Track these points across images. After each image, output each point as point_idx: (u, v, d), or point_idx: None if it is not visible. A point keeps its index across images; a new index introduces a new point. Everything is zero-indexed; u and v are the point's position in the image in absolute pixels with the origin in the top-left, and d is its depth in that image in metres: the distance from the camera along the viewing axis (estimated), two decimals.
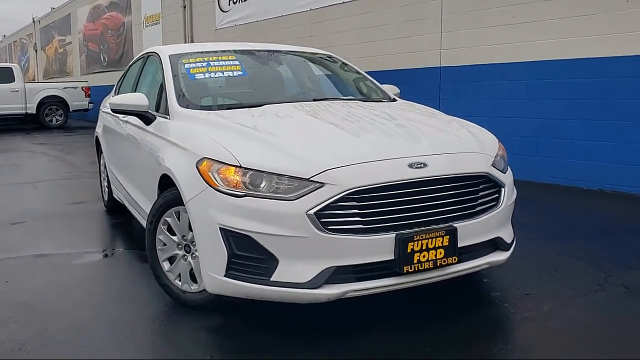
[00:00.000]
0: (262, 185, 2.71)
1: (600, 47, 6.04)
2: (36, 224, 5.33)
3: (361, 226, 2.66)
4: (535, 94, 6.73)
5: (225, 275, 2.76)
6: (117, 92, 5.45)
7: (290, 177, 2.68)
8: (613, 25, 5.92)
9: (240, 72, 4.02)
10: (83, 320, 3.10)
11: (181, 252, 3.20)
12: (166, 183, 3.29)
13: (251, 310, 3.10)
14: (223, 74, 3.94)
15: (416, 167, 2.78)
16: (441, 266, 2.80)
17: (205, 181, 2.83)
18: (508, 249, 3.14)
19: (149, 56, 4.70)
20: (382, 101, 4.07)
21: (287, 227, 2.63)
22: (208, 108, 3.61)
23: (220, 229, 2.74)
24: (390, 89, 4.42)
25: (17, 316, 3.17)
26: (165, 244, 3.25)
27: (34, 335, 2.92)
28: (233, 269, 2.74)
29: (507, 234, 3.15)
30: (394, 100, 4.18)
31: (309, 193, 2.64)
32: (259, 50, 4.41)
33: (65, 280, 3.80)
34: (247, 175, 2.74)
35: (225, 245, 2.74)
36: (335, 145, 2.90)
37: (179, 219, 3.16)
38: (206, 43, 4.66)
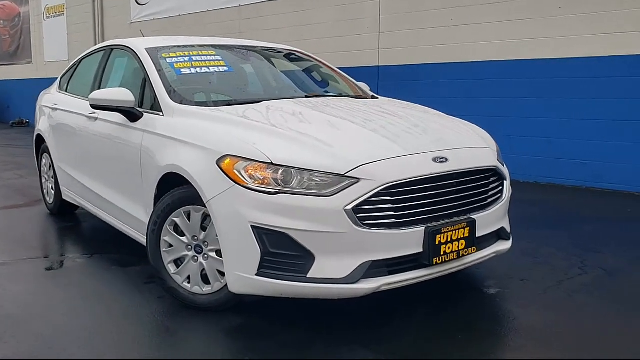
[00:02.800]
0: (294, 182, 2.68)
1: (534, 49, 6.50)
2: None
3: (394, 220, 2.71)
4: (473, 93, 7.10)
5: (257, 274, 2.70)
6: (66, 89, 5.10)
7: (325, 173, 2.68)
8: (545, 30, 6.39)
9: (225, 68, 3.91)
10: (86, 330, 2.90)
11: (191, 253, 3.08)
12: (170, 182, 3.15)
13: (265, 310, 3.05)
14: (209, 69, 3.82)
15: (439, 162, 2.87)
16: (463, 256, 2.92)
17: (231, 179, 2.75)
18: (509, 238, 3.32)
19: (112, 49, 4.44)
20: (365, 98, 4.14)
21: (324, 223, 2.63)
22: (203, 104, 3.48)
23: (253, 227, 2.68)
24: (365, 87, 4.50)
25: (10, 330, 2.90)
26: (171, 246, 3.11)
27: (42, 349, 2.69)
28: (266, 267, 2.69)
29: (507, 225, 3.34)
30: (374, 97, 4.26)
31: (346, 189, 2.65)
32: (235, 46, 4.32)
33: (43, 289, 3.54)
34: (280, 172, 2.69)
35: (259, 244, 2.68)
36: (359, 141, 2.92)
37: (189, 219, 3.04)
38: (178, 37, 4.48)
